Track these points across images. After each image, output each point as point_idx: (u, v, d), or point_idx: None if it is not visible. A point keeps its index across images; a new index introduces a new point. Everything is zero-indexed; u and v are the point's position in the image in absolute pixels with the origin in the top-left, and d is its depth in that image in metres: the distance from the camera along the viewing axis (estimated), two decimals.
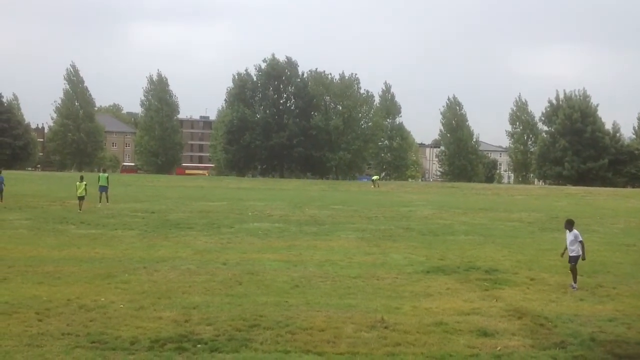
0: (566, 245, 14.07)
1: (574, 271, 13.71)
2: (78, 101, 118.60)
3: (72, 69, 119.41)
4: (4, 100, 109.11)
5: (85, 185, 29.38)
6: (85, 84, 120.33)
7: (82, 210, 28.14)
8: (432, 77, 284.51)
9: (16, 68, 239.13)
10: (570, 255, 13.79)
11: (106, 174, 34.57)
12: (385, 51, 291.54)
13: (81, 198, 28.99)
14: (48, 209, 29.25)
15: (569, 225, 14.10)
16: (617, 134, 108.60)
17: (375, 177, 78.32)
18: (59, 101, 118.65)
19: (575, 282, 13.56)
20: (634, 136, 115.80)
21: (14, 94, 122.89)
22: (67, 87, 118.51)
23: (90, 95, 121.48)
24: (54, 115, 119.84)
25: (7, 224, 23.46)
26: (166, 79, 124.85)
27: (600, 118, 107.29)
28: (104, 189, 32.97)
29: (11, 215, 26.06)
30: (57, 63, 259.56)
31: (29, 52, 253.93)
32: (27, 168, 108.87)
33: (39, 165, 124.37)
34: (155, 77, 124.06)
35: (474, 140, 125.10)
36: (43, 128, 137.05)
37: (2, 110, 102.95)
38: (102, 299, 11.36)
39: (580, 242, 13.76)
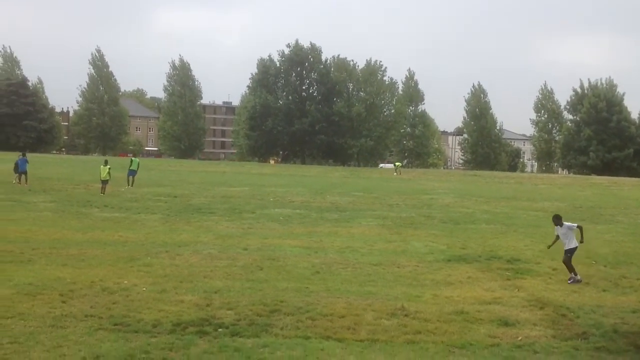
0: (554, 239, 13.93)
1: (568, 264, 13.33)
2: (103, 85, 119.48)
3: (97, 54, 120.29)
4: (30, 84, 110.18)
5: (109, 169, 29.67)
6: (110, 69, 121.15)
7: (105, 193, 28.42)
8: (456, 64, 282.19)
9: (41, 52, 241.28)
10: (565, 248, 13.44)
11: (137, 159, 35.15)
12: (409, 38, 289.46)
13: (105, 182, 29.26)
14: (72, 192, 29.59)
15: (557, 220, 13.76)
16: None
17: (397, 164, 77.97)
18: (85, 85, 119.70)
19: (574, 274, 13.19)
20: None
21: (38, 78, 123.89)
22: (92, 71, 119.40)
23: (115, 79, 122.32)
24: (79, 99, 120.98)
25: (32, 206, 23.78)
26: (189, 65, 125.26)
27: (626, 107, 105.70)
28: (133, 172, 33.79)
29: (36, 198, 26.41)
30: (82, 48, 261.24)
31: (55, 37, 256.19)
32: (52, 151, 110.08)
33: (63, 149, 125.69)
34: (177, 63, 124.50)
35: (498, 128, 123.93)
36: (68, 112, 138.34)
37: (27, 93, 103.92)
38: (125, 282, 11.49)
39: (578, 227, 13.73)
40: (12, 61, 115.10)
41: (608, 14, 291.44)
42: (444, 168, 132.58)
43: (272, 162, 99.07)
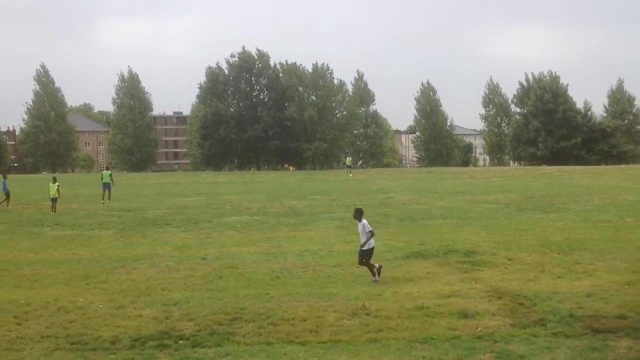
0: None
1: (368, 265, 12.56)
2: (49, 102, 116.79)
3: (42, 70, 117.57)
4: None
5: (58, 186, 29.08)
6: (55, 85, 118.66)
7: (55, 211, 27.79)
8: (403, 64, 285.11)
9: None
10: (361, 249, 12.60)
11: (109, 172, 34.70)
12: (355, 41, 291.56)
13: (54, 199, 28.63)
14: (22, 212, 28.85)
15: (358, 214, 12.89)
16: (589, 113, 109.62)
17: (348, 159, 75.99)
18: (30, 102, 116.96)
19: (376, 275, 12.40)
20: (605, 114, 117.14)
21: None
22: (38, 88, 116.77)
23: (61, 95, 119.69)
24: (25, 117, 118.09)
25: None
26: (137, 76, 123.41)
27: (571, 98, 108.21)
28: (107, 186, 33.27)
29: None
30: (26, 64, 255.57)
31: None
32: None
33: (13, 165, 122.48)
34: (126, 74, 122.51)
35: (449, 124, 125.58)
36: (14, 130, 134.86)
37: None
38: (81, 300, 11.26)
39: (369, 232, 12.55)
40: None
41: (545, 5, 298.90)
42: (397, 167, 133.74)
43: (291, 168, 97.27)
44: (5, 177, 33.30)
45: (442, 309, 10.14)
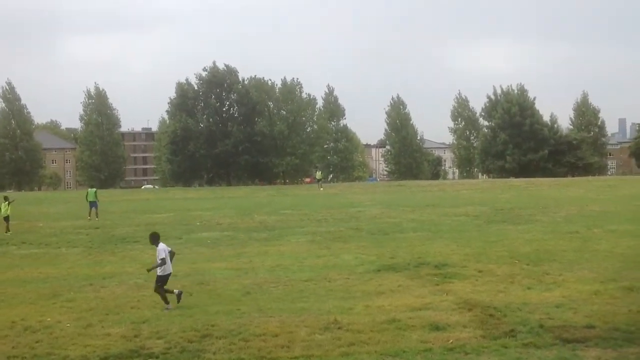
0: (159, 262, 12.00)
1: (161, 292, 11.85)
2: (15, 119, 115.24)
3: (7, 87, 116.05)
4: None
5: (9, 204, 28.28)
6: (22, 102, 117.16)
7: (10, 232, 26.87)
8: (373, 78, 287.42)
9: None
10: (158, 273, 11.96)
11: (94, 189, 34.38)
12: (324, 56, 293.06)
13: (6, 219, 27.77)
14: None
15: (154, 239, 12.29)
16: (555, 125, 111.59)
17: (318, 174, 74.91)
18: None
19: (169, 304, 11.74)
20: (571, 127, 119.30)
21: None
22: (3, 105, 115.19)
23: (28, 112, 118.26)
24: None
25: None
26: (104, 92, 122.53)
27: (538, 111, 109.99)
28: (93, 204, 32.98)
29: None
30: None
31: None
32: None
33: None
34: (93, 91, 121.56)
35: (419, 138, 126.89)
36: None
37: None
38: (48, 319, 11.04)
39: (161, 259, 11.88)
40: None
41: (511, 21, 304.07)
42: (370, 180, 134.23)
43: (308, 180, 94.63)
44: None
45: (414, 322, 10.16)
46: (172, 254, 12.24)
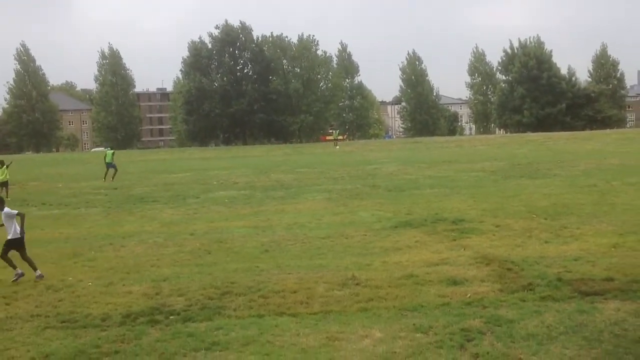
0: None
1: (6, 260, 11.30)
2: (30, 81, 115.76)
3: (22, 49, 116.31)
4: None
5: (7, 167, 27.43)
6: (37, 63, 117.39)
7: (9, 198, 25.18)
8: (389, 33, 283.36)
9: None
10: (9, 238, 11.39)
11: (112, 151, 34.50)
12: (338, 11, 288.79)
13: (4, 184, 26.86)
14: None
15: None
16: (573, 78, 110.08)
17: (335, 132, 74.89)
18: (12, 82, 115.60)
19: (17, 269, 11.17)
20: (590, 79, 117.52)
21: None
22: (19, 67, 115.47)
23: (43, 74, 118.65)
24: (7, 97, 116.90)
25: None
26: (118, 52, 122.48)
27: (556, 64, 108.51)
28: (110, 165, 33.19)
29: None
30: (2, 43, 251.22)
31: None
32: None
33: None
34: (107, 51, 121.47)
35: (435, 94, 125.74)
36: None
37: None
38: (70, 279, 11.20)
39: (19, 215, 11.50)
40: None
41: None
42: (387, 137, 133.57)
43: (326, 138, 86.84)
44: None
45: (431, 277, 10.19)
46: (21, 216, 11.61)
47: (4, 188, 26.94)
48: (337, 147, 64.00)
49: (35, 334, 8.24)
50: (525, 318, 7.99)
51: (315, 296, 9.41)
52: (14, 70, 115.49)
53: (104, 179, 32.55)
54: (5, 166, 27.60)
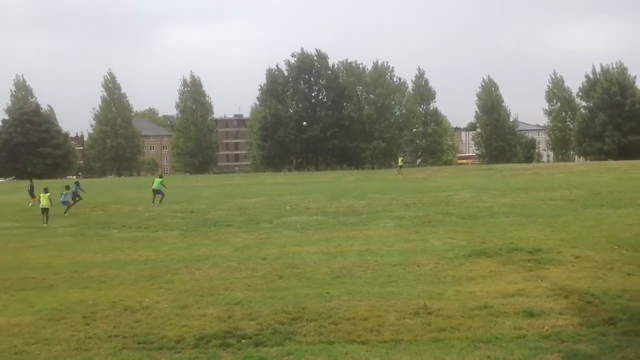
0: None
1: None
2: (115, 107, 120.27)
3: (109, 76, 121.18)
4: (42, 111, 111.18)
5: (49, 196, 28.15)
6: (122, 90, 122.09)
7: (46, 224, 26.51)
8: (464, 59, 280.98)
9: (51, 79, 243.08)
10: None
11: (160, 179, 35.25)
12: (415, 36, 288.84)
13: (45, 210, 27.31)
14: (90, 215, 29.75)
15: None
16: None
17: (400, 160, 76.14)
18: (97, 108, 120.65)
19: None
20: None
21: (49, 105, 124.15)
22: (105, 94, 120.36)
23: (127, 100, 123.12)
24: (93, 123, 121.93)
25: (51, 231, 23.99)
26: (199, 80, 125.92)
27: (639, 89, 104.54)
28: (156, 191, 33.66)
29: (55, 223, 26.59)
30: (90, 72, 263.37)
31: (62, 63, 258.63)
32: (67, 177, 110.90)
33: (80, 173, 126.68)
34: (188, 79, 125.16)
35: (511, 120, 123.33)
36: (82, 136, 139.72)
37: (41, 121, 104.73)
38: (147, 300, 11.51)
39: None
40: (25, 90, 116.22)
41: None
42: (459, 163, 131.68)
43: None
44: (77, 183, 34.37)
45: (507, 308, 9.93)
46: None
47: (45, 214, 27.24)
48: (399, 174, 63.91)
49: (113, 355, 8.49)
50: (605, 353, 7.68)
51: (386, 324, 9.33)
52: (100, 97, 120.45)
53: (152, 203, 33.09)
54: (48, 195, 28.15)
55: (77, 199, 32.34)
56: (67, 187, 31.27)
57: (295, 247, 17.43)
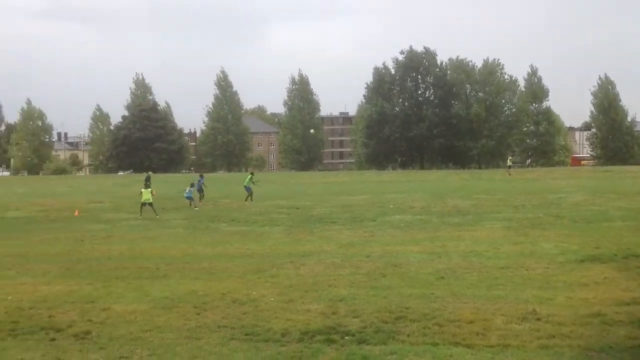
0: None
1: None
2: (227, 105, 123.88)
3: (221, 75, 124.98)
4: (159, 108, 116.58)
5: (151, 191, 29.33)
6: (233, 89, 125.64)
7: (142, 215, 27.63)
8: (579, 56, 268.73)
9: (167, 77, 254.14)
10: None
11: (250, 175, 35.93)
12: (524, 33, 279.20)
13: (144, 204, 28.05)
14: (201, 209, 30.87)
15: None
16: None
17: (509, 160, 73.30)
18: (210, 106, 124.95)
19: None
20: None
21: (166, 102, 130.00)
22: (217, 92, 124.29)
23: (238, 98, 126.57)
24: (205, 120, 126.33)
25: (165, 223, 25.14)
26: (307, 78, 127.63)
27: None
28: (246, 188, 34.23)
29: (169, 216, 27.86)
30: (201, 71, 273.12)
31: (174, 63, 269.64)
32: (182, 171, 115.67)
33: (192, 168, 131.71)
34: (297, 77, 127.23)
35: (629, 120, 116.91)
36: (195, 132, 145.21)
37: (158, 117, 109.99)
38: (254, 293, 11.84)
39: None
40: (143, 87, 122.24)
41: None
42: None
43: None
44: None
45: (621, 317, 9.46)
46: None
47: (144, 207, 28.07)
48: (510, 175, 61.93)
49: (221, 344, 8.81)
50: None
51: (492, 328, 9.13)
52: (213, 95, 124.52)
53: (245, 200, 33.29)
54: (151, 190, 29.43)
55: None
56: (192, 185, 32.54)
57: (399, 246, 17.37)
